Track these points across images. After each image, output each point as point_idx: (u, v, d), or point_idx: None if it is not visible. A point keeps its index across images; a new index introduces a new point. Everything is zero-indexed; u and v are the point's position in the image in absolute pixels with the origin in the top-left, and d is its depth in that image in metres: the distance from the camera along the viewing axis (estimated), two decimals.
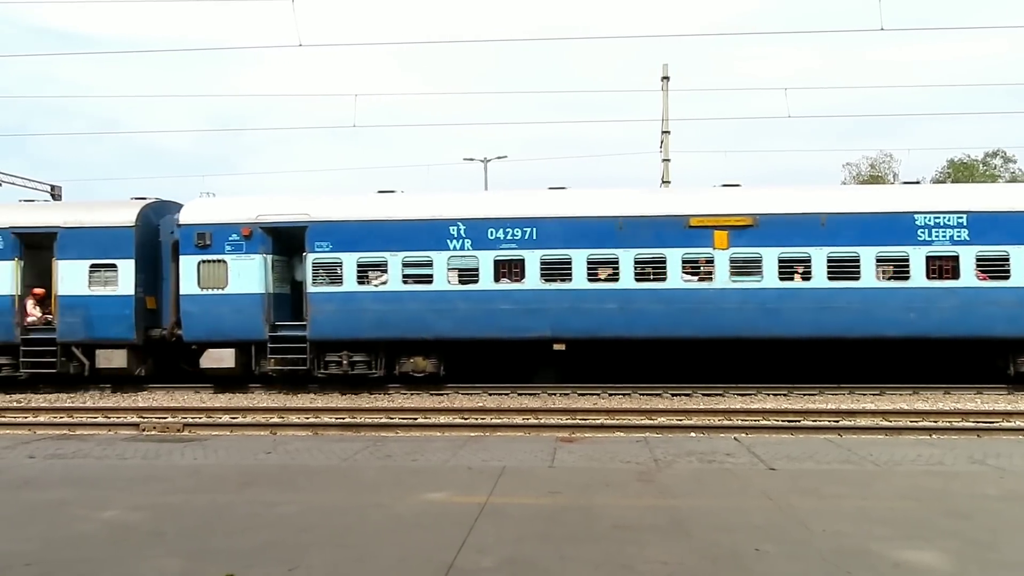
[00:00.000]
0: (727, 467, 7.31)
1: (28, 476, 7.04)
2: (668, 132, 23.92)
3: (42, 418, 13.92)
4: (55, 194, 24.73)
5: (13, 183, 23.97)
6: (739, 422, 11.92)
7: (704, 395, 15.02)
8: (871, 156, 43.68)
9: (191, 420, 12.37)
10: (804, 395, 14.80)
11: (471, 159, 38.35)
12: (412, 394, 15.82)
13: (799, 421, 11.91)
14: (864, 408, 13.19)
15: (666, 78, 23.92)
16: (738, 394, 14.98)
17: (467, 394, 15.56)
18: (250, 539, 5.04)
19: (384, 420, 12.60)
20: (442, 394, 15.69)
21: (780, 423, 11.74)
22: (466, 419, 12.71)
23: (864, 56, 71.27)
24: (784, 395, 14.86)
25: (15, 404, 15.43)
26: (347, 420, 12.58)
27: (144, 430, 11.42)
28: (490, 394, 15.53)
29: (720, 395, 14.96)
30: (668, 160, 23.87)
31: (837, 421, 12.03)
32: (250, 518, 5.54)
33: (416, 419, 12.70)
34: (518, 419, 12.57)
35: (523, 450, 8.41)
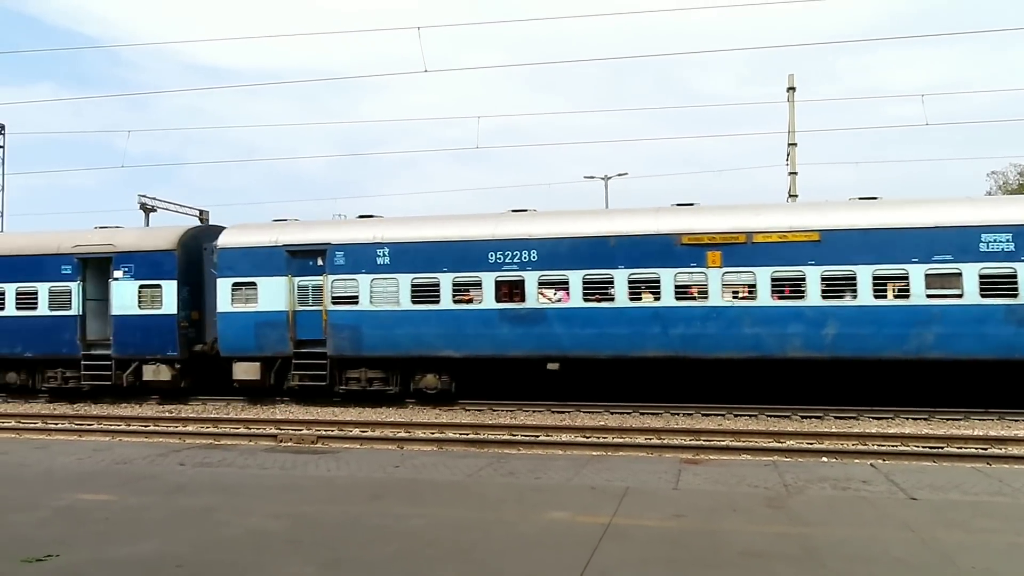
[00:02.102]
0: (863, 495, 6.94)
1: (179, 482, 7.59)
2: (795, 144, 23.10)
3: (191, 428, 14.94)
4: (203, 218, 26.67)
5: (168, 209, 26.15)
6: (875, 447, 11.25)
7: (836, 418, 14.28)
8: (1020, 164, 40.54)
9: (324, 432, 12.96)
10: (947, 419, 13.81)
11: (591, 177, 38.45)
12: (534, 411, 15.93)
13: (942, 448, 11.11)
14: (1016, 435, 12.16)
15: (792, 88, 23.15)
16: (873, 417, 14.15)
17: (589, 412, 15.51)
18: (380, 551, 5.23)
19: (507, 437, 12.73)
20: (564, 411, 15.71)
21: (921, 449, 10.98)
22: (588, 438, 12.66)
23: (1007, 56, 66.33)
24: (924, 419, 13.92)
25: (167, 414, 16.65)
26: (471, 436, 12.80)
27: (281, 441, 12.06)
28: (612, 412, 15.41)
29: (854, 418, 14.17)
30: (795, 173, 23.04)
31: (985, 449, 11.14)
32: (380, 530, 5.75)
33: (538, 436, 12.77)
34: (640, 439, 12.41)
35: (646, 471, 8.31)
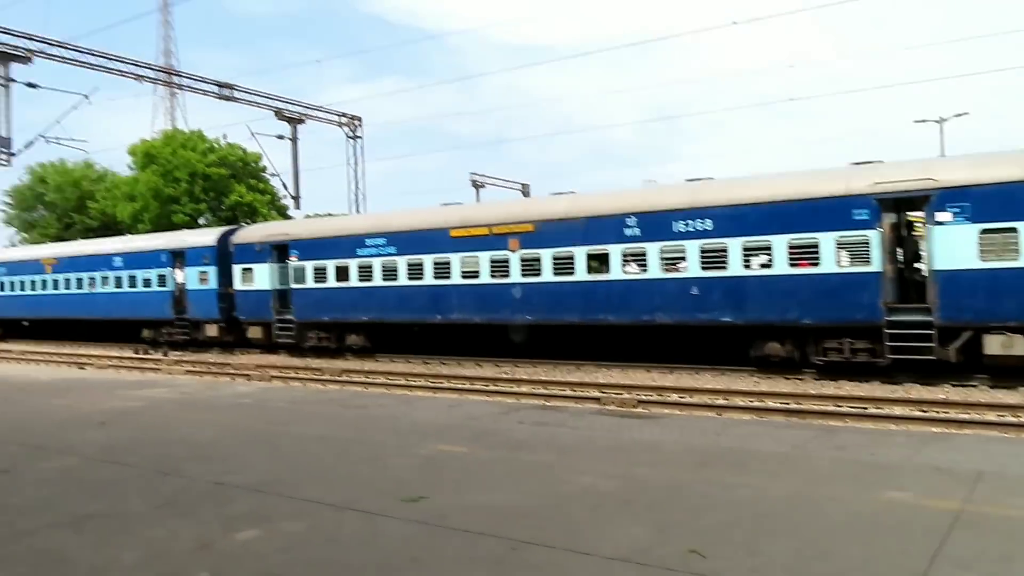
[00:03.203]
0: None
1: (520, 439, 8.42)
2: None
3: (524, 388, 16.32)
4: (525, 192, 28.71)
5: (495, 184, 28.64)
6: None
7: None
8: None
9: (643, 397, 13.39)
10: None
11: (923, 120, 34.16)
12: (862, 383, 14.83)
13: None
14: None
15: None
16: None
17: (918, 384, 14.05)
18: (709, 518, 5.36)
19: (832, 408, 12.07)
20: (895, 383, 14.41)
21: None
22: (925, 412, 11.53)
23: None
24: None
25: (504, 375, 18.36)
26: (792, 406, 12.35)
27: (604, 404, 12.72)
28: (953, 385, 13.80)
29: None
30: None
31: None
32: (707, 498, 5.88)
33: (866, 408, 11.92)
34: (991, 416, 10.98)
35: (1004, 453, 7.37)
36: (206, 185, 58.70)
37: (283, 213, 56.26)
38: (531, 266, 19.16)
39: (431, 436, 8.53)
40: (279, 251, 24.71)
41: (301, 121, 42.05)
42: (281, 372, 19.91)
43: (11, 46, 30.38)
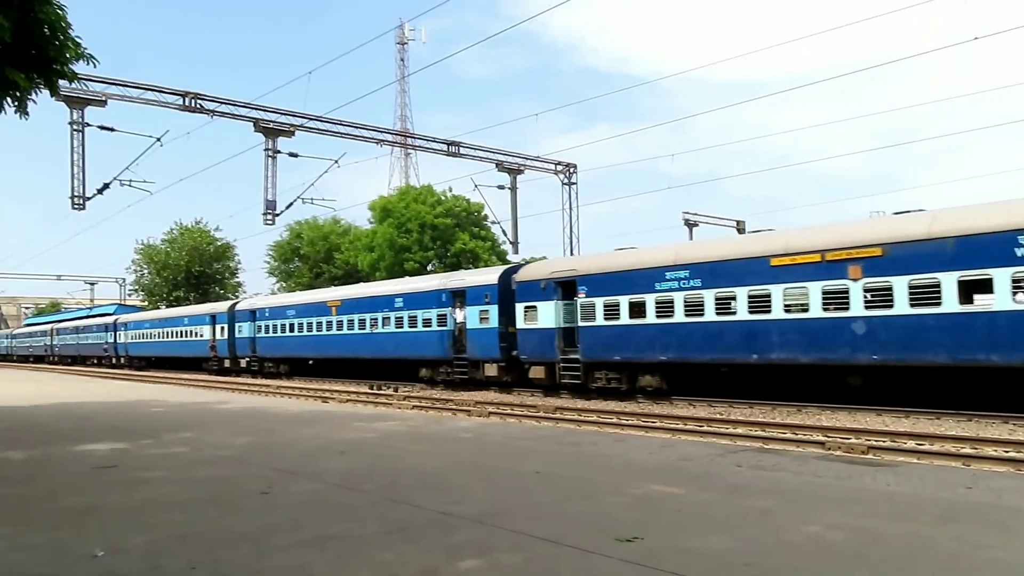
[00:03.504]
0: None
1: (737, 483, 8.06)
2: None
3: (740, 430, 15.63)
4: (740, 229, 27.82)
5: (708, 223, 28.10)
6: None
7: None
8: None
9: (875, 443, 12.29)
10: None
11: None
12: None
13: None
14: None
15: None
16: None
17: None
18: None
19: None
20: None
21: None
22: None
23: None
24: None
25: (718, 416, 17.70)
26: None
27: (830, 449, 11.83)
28: None
29: None
30: None
31: None
32: (956, 557, 5.26)
33: None
34: None
35: None
36: (434, 234, 63.21)
37: (503, 258, 58.94)
38: (879, 296, 16.90)
39: (644, 475, 8.42)
40: (564, 288, 24.08)
41: (520, 171, 44.15)
42: (498, 408, 20.64)
43: (279, 123, 35.05)
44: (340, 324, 35.89)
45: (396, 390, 29.66)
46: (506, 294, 26.20)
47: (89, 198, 33.56)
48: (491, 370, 26.36)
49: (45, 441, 11.51)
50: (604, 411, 19.48)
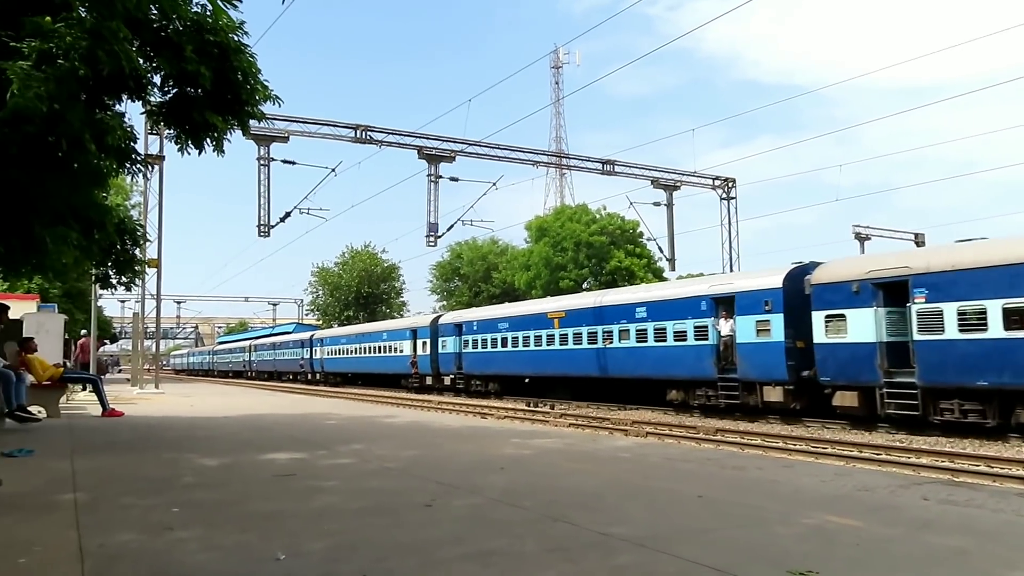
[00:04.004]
0: None
1: (925, 518, 7.38)
2: None
3: (924, 460, 14.39)
4: (918, 242, 25.86)
5: (882, 236, 26.25)
6: None
7: None
8: None
9: None
10: None
11: None
12: None
13: None
14: None
15: None
16: None
17: None
18: None
19: None
20: None
21: None
22: None
23: None
24: None
25: (897, 444, 16.39)
26: None
27: None
28: None
29: None
30: None
31: None
32: None
33: None
34: None
35: None
36: (589, 252, 63.53)
37: (659, 276, 58.14)
38: None
39: (817, 505, 7.90)
40: (887, 290, 19.69)
41: (676, 188, 43.55)
42: (656, 428, 20.22)
43: (440, 150, 36.83)
44: (564, 338, 32.64)
45: (552, 407, 29.85)
46: (793, 300, 22.07)
47: (273, 226, 36.56)
48: (773, 394, 22.03)
49: (234, 450, 12.47)
50: (768, 434, 18.58)
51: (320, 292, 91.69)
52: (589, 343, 30.52)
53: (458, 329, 41.18)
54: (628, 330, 28.15)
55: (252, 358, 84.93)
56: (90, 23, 9.44)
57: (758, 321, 22.51)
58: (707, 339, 24.23)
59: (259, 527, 6.61)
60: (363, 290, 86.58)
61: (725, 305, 24.18)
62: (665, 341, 26.01)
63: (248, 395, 38.59)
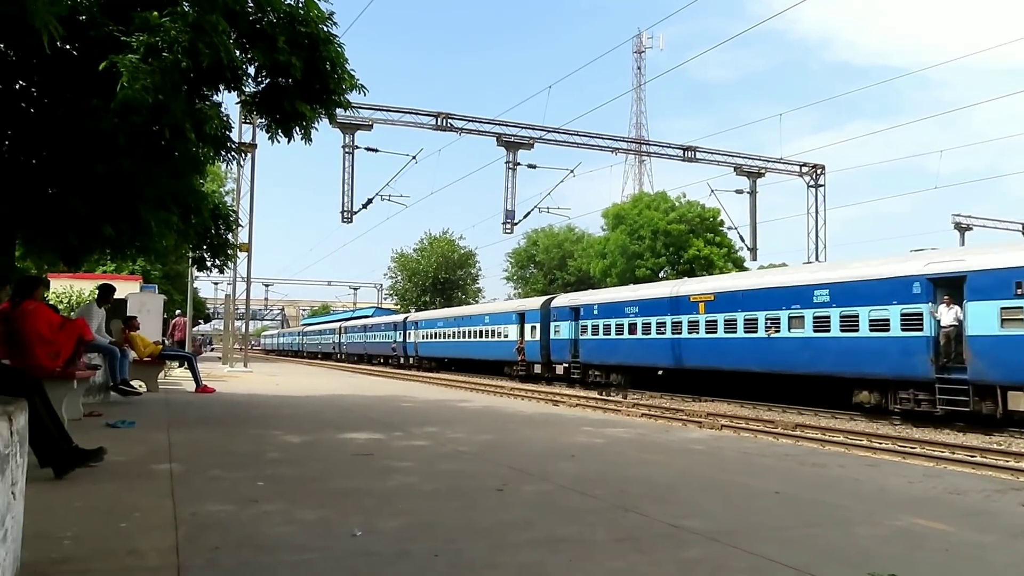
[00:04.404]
0: None
1: (1022, 525, 7.02)
2: None
3: (1023, 464, 13.67)
4: None
5: (984, 226, 24.91)
6: None
7: None
8: None
9: None
10: None
11: None
12: None
13: None
14: None
15: None
16: None
17: None
18: None
19: None
20: None
21: None
22: None
23: None
24: None
25: (995, 446, 15.60)
26: None
27: None
28: None
29: None
30: None
31: None
32: None
33: None
34: None
35: None
36: (667, 241, 62.59)
37: (739, 265, 56.80)
38: None
39: (903, 506, 7.60)
40: None
41: (760, 175, 42.37)
42: (732, 422, 19.83)
43: (519, 137, 36.88)
44: (712, 325, 28.25)
45: (625, 396, 29.64)
46: None
47: (355, 212, 37.42)
48: None
49: (316, 428, 12.88)
50: (852, 431, 17.96)
51: (399, 277, 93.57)
52: (747, 331, 26.30)
53: (574, 313, 36.74)
54: (802, 316, 23.78)
55: (342, 340, 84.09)
56: (192, 17, 9.86)
57: (1004, 308, 17.81)
58: (921, 330, 19.65)
59: (337, 504, 6.81)
60: (440, 276, 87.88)
61: (947, 288, 19.58)
62: (856, 331, 21.57)
63: (330, 376, 39.74)
